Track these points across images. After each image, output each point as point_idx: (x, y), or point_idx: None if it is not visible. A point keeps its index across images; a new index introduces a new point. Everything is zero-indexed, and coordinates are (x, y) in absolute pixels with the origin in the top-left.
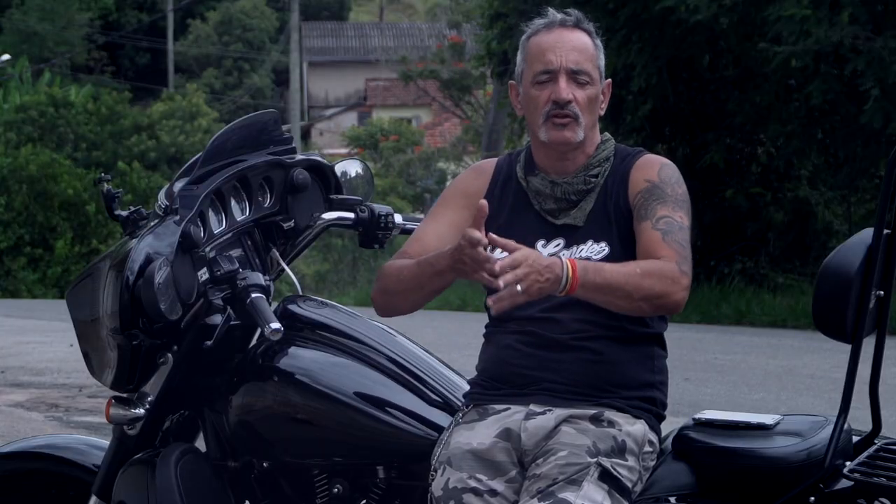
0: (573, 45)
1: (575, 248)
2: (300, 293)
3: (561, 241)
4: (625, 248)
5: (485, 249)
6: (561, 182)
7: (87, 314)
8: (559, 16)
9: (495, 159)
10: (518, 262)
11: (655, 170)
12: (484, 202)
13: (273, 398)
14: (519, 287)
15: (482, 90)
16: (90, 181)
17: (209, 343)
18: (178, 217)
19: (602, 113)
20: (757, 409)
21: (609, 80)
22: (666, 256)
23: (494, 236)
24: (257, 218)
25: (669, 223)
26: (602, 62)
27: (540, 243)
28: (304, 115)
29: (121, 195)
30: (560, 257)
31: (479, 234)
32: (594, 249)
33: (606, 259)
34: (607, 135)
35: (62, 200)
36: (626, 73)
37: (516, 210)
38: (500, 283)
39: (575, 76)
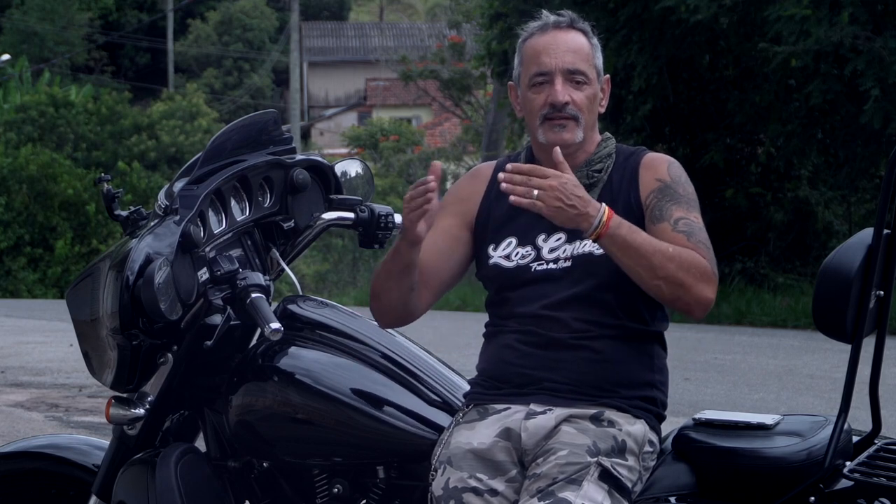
0: (567, 46)
1: (578, 242)
2: (300, 293)
3: (562, 236)
4: None
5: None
6: None
7: (87, 314)
8: (552, 17)
9: (494, 161)
10: (547, 174)
11: (664, 168)
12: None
13: (273, 398)
14: (535, 193)
15: (482, 90)
16: (90, 181)
17: (209, 343)
18: (178, 217)
19: (602, 110)
20: (757, 409)
21: (608, 76)
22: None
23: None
24: (257, 218)
25: (689, 224)
26: (599, 60)
27: (541, 237)
28: (304, 115)
29: (121, 195)
30: (601, 202)
31: (430, 178)
32: (597, 244)
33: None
34: (608, 134)
35: (62, 200)
36: (626, 73)
37: (517, 208)
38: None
39: (571, 77)
